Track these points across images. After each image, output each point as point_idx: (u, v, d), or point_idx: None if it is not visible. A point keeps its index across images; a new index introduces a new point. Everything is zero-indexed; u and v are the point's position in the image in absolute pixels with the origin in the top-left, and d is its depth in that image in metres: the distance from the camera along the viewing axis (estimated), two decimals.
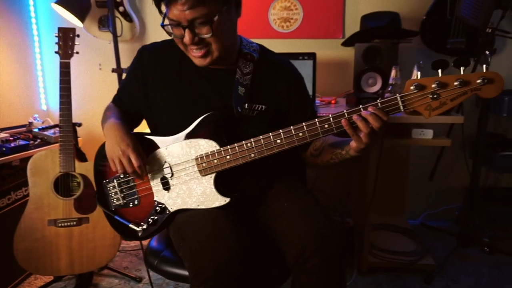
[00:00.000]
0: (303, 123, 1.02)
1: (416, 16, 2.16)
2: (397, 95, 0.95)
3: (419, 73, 1.02)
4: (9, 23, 2.20)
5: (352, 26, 2.25)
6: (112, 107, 1.29)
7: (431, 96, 0.92)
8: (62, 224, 1.66)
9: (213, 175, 1.11)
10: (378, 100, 0.96)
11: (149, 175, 1.18)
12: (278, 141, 1.04)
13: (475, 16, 1.61)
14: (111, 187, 1.23)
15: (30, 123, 2.09)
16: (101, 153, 1.23)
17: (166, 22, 1.05)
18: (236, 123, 1.13)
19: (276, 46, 2.24)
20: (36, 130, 1.99)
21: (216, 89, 1.17)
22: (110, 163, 1.14)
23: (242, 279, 0.99)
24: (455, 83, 0.90)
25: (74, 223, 1.67)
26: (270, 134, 1.05)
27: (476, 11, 1.62)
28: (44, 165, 1.66)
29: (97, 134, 2.37)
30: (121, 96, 1.30)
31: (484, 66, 0.91)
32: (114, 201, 1.23)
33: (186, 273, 1.07)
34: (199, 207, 1.13)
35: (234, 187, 1.14)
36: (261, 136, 1.06)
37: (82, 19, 2.00)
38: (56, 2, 1.92)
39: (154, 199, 1.18)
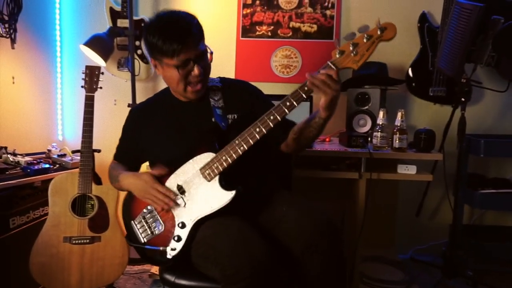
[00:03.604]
0: (271, 109, 1.25)
1: (401, 66, 2.43)
2: (328, 62, 1.21)
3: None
4: (37, 60, 2.46)
5: (345, 73, 2.49)
6: (116, 165, 1.55)
7: (352, 54, 1.20)
8: (76, 242, 1.80)
9: (217, 177, 1.30)
10: (320, 69, 1.21)
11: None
12: (258, 129, 1.26)
13: (450, 68, 1.87)
14: (138, 222, 1.42)
15: (49, 151, 2.28)
16: (126, 200, 1.50)
17: (175, 64, 1.30)
18: (222, 135, 1.36)
19: (277, 89, 2.53)
20: (55, 156, 2.18)
21: (196, 119, 1.43)
22: (150, 202, 1.36)
23: (272, 278, 1.15)
24: (364, 40, 1.18)
25: (87, 241, 1.81)
26: (250, 126, 1.27)
27: (450, 63, 1.88)
28: (64, 186, 1.82)
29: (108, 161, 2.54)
30: (121, 152, 1.58)
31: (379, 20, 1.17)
32: (143, 234, 1.40)
33: (208, 284, 1.24)
34: (213, 209, 1.28)
35: (237, 182, 1.30)
36: (244, 131, 1.28)
37: (105, 59, 2.24)
38: (84, 44, 2.17)
39: (175, 218, 1.34)
